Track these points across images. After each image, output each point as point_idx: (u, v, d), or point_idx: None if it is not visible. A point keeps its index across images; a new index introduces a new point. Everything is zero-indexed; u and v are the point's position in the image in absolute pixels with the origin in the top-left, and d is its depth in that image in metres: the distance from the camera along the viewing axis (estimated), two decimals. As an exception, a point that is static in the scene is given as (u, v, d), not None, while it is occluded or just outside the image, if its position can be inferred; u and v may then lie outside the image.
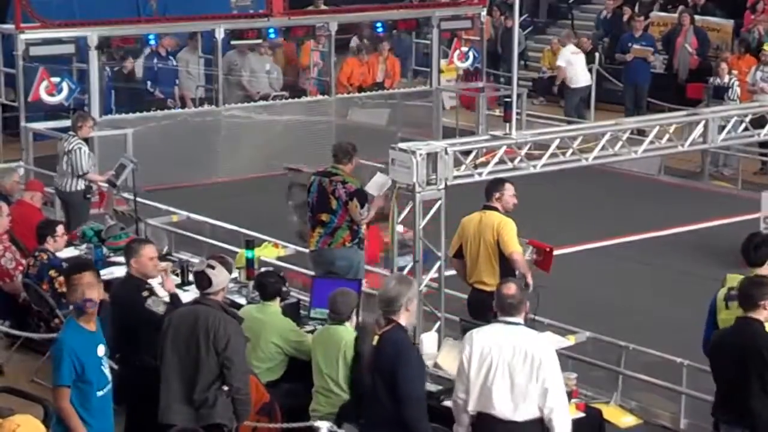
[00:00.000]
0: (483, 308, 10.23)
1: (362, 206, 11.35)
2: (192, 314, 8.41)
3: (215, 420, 8.25)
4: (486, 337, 7.87)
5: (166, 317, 8.60)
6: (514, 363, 7.75)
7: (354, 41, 21.95)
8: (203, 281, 8.41)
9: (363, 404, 8.24)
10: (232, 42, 19.04)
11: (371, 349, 8.16)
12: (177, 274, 11.07)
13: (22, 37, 16.41)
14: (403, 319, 7.88)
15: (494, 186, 10.46)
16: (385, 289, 7.91)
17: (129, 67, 19.22)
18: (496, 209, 10.45)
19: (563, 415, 7.84)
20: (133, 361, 8.92)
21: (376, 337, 8.01)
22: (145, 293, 9.12)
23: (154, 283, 9.48)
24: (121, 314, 9.01)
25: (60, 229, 11.73)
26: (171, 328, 8.42)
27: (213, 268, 8.41)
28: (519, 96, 14.42)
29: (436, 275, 10.14)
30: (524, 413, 7.76)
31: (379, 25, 20.12)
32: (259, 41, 19.50)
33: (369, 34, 21.39)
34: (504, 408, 7.77)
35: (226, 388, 8.24)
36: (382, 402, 7.84)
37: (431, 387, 8.97)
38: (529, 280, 10.13)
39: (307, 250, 11.88)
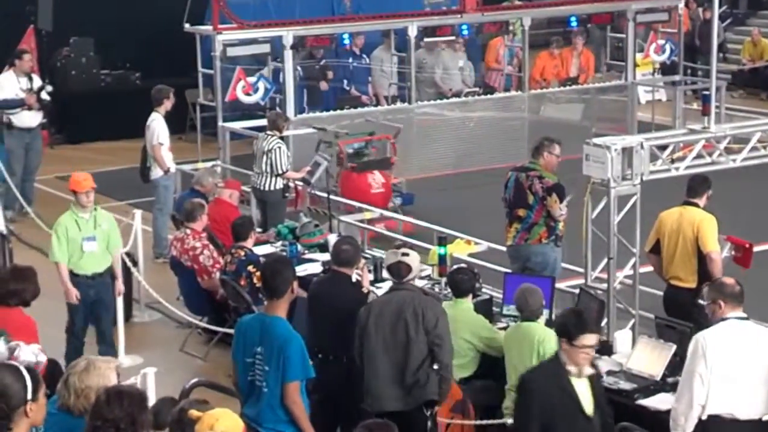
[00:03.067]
0: (679, 305, 10.02)
1: (561, 201, 11.21)
2: (394, 300, 8.63)
3: (428, 397, 8.49)
4: (723, 337, 7.69)
5: (362, 308, 8.70)
6: (754, 361, 7.65)
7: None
8: (402, 270, 8.65)
9: None
10: (425, 39, 19.08)
11: None
12: (370, 271, 11.12)
13: (220, 38, 16.73)
14: None
15: (706, 183, 10.21)
16: None
17: (327, 74, 19.49)
18: (697, 205, 10.20)
19: None
20: (336, 357, 8.97)
21: None
22: (365, 290, 9.25)
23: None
24: (323, 310, 9.10)
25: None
26: (372, 316, 8.59)
27: (408, 255, 8.69)
28: (718, 89, 14.03)
29: (631, 272, 9.96)
30: (753, 411, 7.67)
31: (573, 19, 19.87)
32: (452, 38, 19.50)
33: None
34: (744, 408, 7.64)
35: (436, 366, 8.45)
36: None
37: (625, 385, 8.81)
38: None
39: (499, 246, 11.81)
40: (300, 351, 7.49)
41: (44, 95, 16.00)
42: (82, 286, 10.93)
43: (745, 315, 7.84)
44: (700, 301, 9.89)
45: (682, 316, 9.60)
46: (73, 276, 10.93)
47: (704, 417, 7.67)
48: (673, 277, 10.25)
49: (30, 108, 15.83)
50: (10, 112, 15.79)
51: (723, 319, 7.77)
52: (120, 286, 11.45)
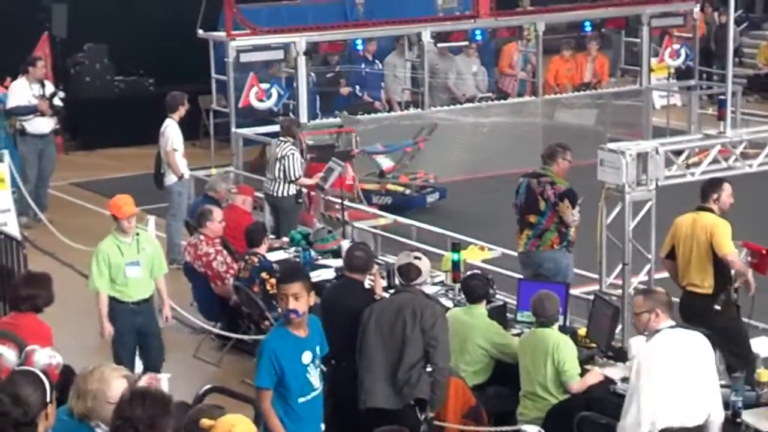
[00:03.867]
0: (695, 311, 9.96)
1: (573, 207, 11.17)
2: (396, 300, 8.72)
3: (418, 395, 8.48)
4: (663, 348, 7.80)
5: (366, 308, 8.71)
6: (693, 367, 7.78)
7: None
8: (411, 272, 8.71)
9: None
10: (438, 45, 19.03)
11: None
12: (383, 277, 11.09)
13: (233, 44, 16.72)
14: None
15: (712, 186, 10.13)
16: None
17: (345, 91, 19.47)
18: (710, 210, 10.13)
19: (722, 413, 7.89)
20: (348, 363, 8.92)
21: None
22: (378, 296, 9.25)
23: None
24: (336, 316, 9.06)
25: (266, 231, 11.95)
26: (373, 314, 8.65)
27: (419, 258, 8.75)
28: (734, 93, 13.95)
29: (646, 278, 9.91)
30: (695, 418, 7.79)
31: (587, 23, 19.80)
32: (465, 43, 19.46)
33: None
34: (691, 415, 7.75)
35: (429, 368, 8.43)
36: None
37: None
38: (750, 279, 9.81)
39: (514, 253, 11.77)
40: (260, 356, 7.57)
41: (57, 101, 16.03)
42: (127, 314, 10.33)
43: (674, 323, 7.96)
44: (717, 307, 9.87)
45: (698, 322, 9.53)
46: (118, 303, 10.32)
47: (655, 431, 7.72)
48: (689, 283, 10.19)
49: (42, 114, 15.85)
50: (23, 118, 15.83)
51: (657, 331, 7.85)
52: (168, 311, 10.81)
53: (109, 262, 10.24)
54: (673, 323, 7.95)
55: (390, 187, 16.57)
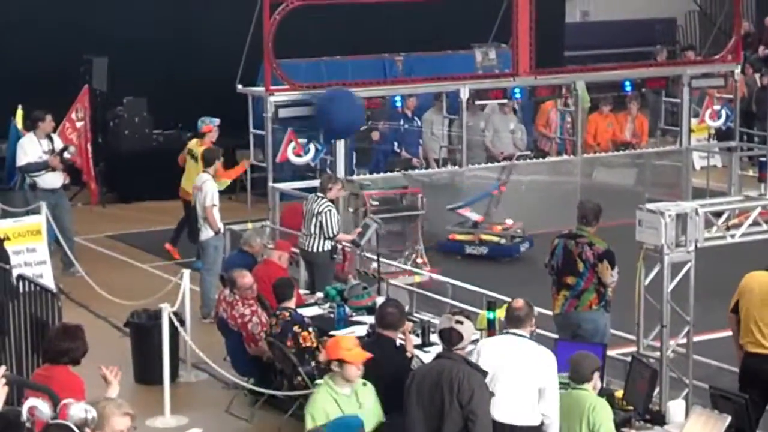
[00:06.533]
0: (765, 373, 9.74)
1: (612, 267, 11.07)
2: (436, 368, 8.49)
3: None
4: (494, 347, 8.70)
5: (410, 373, 8.60)
6: (518, 371, 8.47)
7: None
8: (453, 337, 8.50)
9: None
10: (476, 102, 18.97)
11: None
12: (418, 335, 11.00)
13: (272, 99, 16.76)
14: None
15: None
16: None
17: (375, 136, 19.46)
18: None
19: (556, 419, 8.53)
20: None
21: None
22: (409, 354, 9.14)
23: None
24: (367, 373, 8.98)
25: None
26: (415, 382, 8.49)
27: (461, 323, 8.55)
28: (774, 155, 13.86)
29: (684, 340, 9.77)
30: (524, 419, 8.42)
31: (627, 83, 19.74)
32: (505, 101, 19.42)
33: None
34: (506, 413, 8.39)
35: None
36: None
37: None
38: None
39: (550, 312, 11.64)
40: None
41: (67, 155, 16.05)
42: None
43: (524, 334, 8.73)
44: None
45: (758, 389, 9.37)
46: None
47: None
48: (758, 343, 9.89)
49: (54, 169, 15.90)
50: (35, 174, 15.87)
51: (504, 333, 8.82)
52: None
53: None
54: (519, 332, 8.70)
55: (483, 237, 17.03)
